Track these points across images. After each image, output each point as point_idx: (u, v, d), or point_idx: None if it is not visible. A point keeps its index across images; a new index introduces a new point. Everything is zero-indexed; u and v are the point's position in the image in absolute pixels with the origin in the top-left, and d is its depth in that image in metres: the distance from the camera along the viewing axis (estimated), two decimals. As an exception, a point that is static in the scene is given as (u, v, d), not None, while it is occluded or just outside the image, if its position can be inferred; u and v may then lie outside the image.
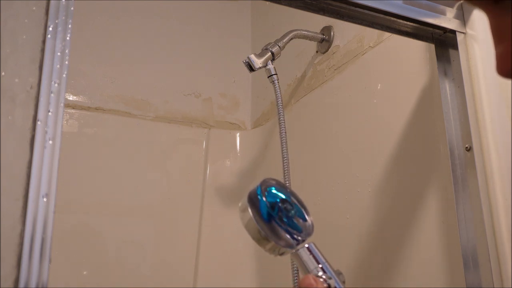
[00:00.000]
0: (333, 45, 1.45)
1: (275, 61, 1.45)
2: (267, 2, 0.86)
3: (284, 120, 1.39)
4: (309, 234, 0.59)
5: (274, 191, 0.60)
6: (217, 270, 1.67)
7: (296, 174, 1.40)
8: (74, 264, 1.50)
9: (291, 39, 1.46)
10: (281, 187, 0.61)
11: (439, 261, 0.98)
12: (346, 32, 1.40)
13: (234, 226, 1.67)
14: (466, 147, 0.89)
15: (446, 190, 0.98)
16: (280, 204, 0.58)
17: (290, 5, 0.85)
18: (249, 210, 0.57)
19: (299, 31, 1.47)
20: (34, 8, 0.59)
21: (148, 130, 1.72)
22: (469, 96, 0.90)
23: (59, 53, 0.58)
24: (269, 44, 1.44)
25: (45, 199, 0.53)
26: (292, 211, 0.59)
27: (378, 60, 1.24)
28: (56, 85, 0.57)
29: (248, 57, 1.40)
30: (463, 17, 0.95)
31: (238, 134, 1.86)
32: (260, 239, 0.56)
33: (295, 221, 0.59)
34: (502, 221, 0.82)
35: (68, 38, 0.60)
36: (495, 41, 0.35)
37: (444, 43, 0.98)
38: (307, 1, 0.85)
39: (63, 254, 1.45)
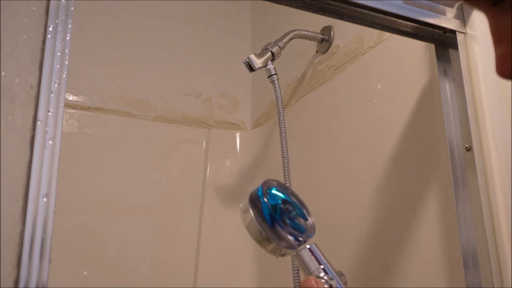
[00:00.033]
0: (333, 45, 1.45)
1: (275, 61, 1.44)
2: (267, 2, 0.86)
3: (284, 120, 1.39)
4: (309, 235, 0.59)
5: (275, 192, 0.60)
6: (217, 270, 1.67)
7: (296, 174, 1.40)
8: (74, 264, 1.50)
9: (291, 39, 1.46)
10: (283, 188, 0.61)
11: (439, 261, 0.98)
12: (346, 32, 1.40)
13: (234, 226, 1.67)
14: (466, 147, 0.89)
15: (446, 190, 0.98)
16: (281, 205, 0.58)
17: (290, 5, 0.85)
18: (251, 211, 0.57)
19: (299, 31, 1.47)
20: (34, 8, 0.59)
21: (148, 130, 1.72)
22: (469, 96, 0.90)
23: (59, 53, 0.58)
24: (269, 44, 1.44)
25: (45, 199, 0.53)
26: (294, 212, 0.59)
27: (378, 60, 1.24)
28: (56, 85, 0.57)
29: (248, 57, 1.40)
30: (463, 17, 0.95)
31: (238, 134, 1.86)
32: (262, 240, 0.56)
33: (296, 222, 0.59)
34: (502, 221, 0.82)
35: (68, 38, 0.60)
36: (494, 42, 0.35)
37: (444, 43, 0.98)
38: (307, 1, 0.85)
39: (63, 254, 1.45)
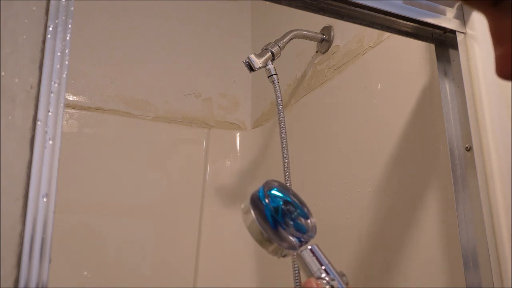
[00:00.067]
0: (333, 45, 1.45)
1: (275, 61, 1.44)
2: (267, 2, 0.86)
3: (284, 120, 1.39)
4: (311, 236, 0.59)
5: (276, 193, 0.60)
6: (217, 270, 1.67)
7: (296, 174, 1.40)
8: (74, 264, 1.50)
9: (291, 39, 1.46)
10: (284, 188, 0.61)
11: (439, 261, 0.98)
12: (346, 32, 1.40)
13: (234, 226, 1.67)
14: (466, 147, 0.89)
15: (446, 190, 0.98)
16: (283, 206, 0.58)
17: (290, 5, 0.85)
18: (252, 212, 0.57)
19: (299, 31, 1.47)
20: (34, 8, 0.59)
21: (148, 130, 1.72)
22: (469, 96, 0.90)
23: (59, 53, 0.58)
24: (269, 44, 1.44)
25: (45, 199, 0.53)
26: (295, 213, 0.59)
27: (378, 60, 1.24)
28: (56, 85, 0.57)
29: (248, 57, 1.40)
30: (463, 17, 0.95)
31: (238, 134, 1.86)
32: (263, 241, 0.56)
33: (298, 222, 0.59)
34: (502, 221, 0.82)
35: (68, 38, 0.60)
36: (494, 43, 0.35)
37: (444, 43, 0.98)
38: (307, 1, 0.85)
39: (63, 254, 1.45)
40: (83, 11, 1.68)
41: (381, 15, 0.89)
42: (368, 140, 1.24)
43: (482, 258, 0.84)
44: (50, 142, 0.55)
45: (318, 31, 1.50)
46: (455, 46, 0.94)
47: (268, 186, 0.60)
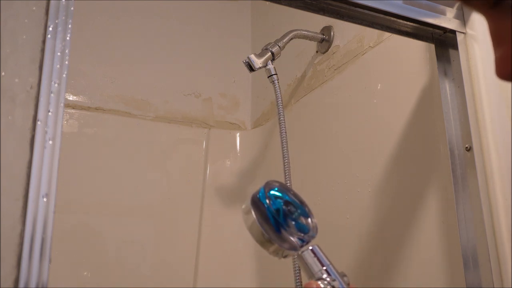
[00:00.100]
0: (333, 45, 1.45)
1: (275, 61, 1.44)
2: (267, 2, 0.86)
3: (284, 120, 1.39)
4: (312, 236, 0.59)
5: (277, 193, 0.60)
6: (217, 270, 1.67)
7: (296, 174, 1.40)
8: (74, 264, 1.50)
9: (291, 39, 1.46)
10: (284, 189, 0.61)
11: (439, 261, 0.98)
12: (346, 32, 1.40)
13: (234, 226, 1.67)
14: (466, 147, 0.89)
15: (446, 190, 0.98)
16: (283, 207, 0.58)
17: (290, 5, 0.85)
18: (253, 212, 0.56)
19: (299, 31, 1.47)
20: (34, 8, 0.59)
21: (148, 130, 1.72)
22: (469, 96, 0.90)
23: (59, 53, 0.58)
24: (269, 44, 1.44)
25: (45, 199, 0.53)
26: (296, 214, 0.59)
27: (378, 60, 1.24)
28: (56, 85, 0.57)
29: (248, 57, 1.40)
30: (463, 17, 0.95)
31: (238, 134, 1.86)
32: (264, 242, 0.56)
33: (299, 223, 0.59)
34: (502, 221, 0.82)
35: (68, 38, 0.60)
36: (494, 44, 0.35)
37: (444, 43, 0.98)
38: (307, 1, 0.85)
39: (63, 254, 1.45)
40: (83, 11, 1.68)
41: (381, 15, 0.89)
42: (368, 140, 1.24)
43: (482, 258, 0.84)
44: (50, 142, 0.55)
45: (318, 31, 1.50)
46: (455, 46, 0.94)
47: (268, 186, 0.60)
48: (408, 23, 0.92)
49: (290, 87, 1.65)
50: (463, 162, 0.90)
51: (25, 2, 0.59)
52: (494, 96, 0.89)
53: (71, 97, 1.64)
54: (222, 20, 1.98)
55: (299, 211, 0.60)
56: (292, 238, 0.57)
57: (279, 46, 1.43)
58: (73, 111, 1.62)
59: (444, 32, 0.95)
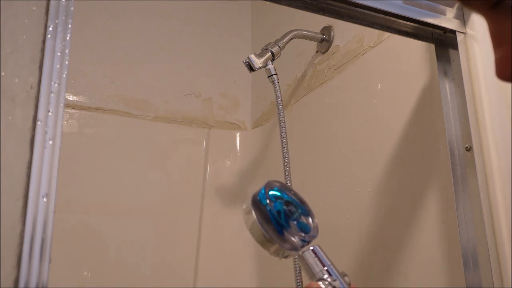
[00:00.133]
0: (333, 45, 1.45)
1: (275, 61, 1.44)
2: (267, 2, 0.86)
3: (284, 120, 1.39)
4: (313, 236, 0.59)
5: (278, 193, 0.59)
6: (217, 270, 1.67)
7: (296, 174, 1.40)
8: (74, 264, 1.49)
9: (291, 39, 1.46)
10: (285, 189, 0.61)
11: (439, 261, 0.98)
12: (346, 32, 1.40)
13: (234, 226, 1.67)
14: (466, 147, 0.89)
15: (446, 190, 0.98)
16: (284, 207, 0.58)
17: (290, 5, 0.85)
18: (253, 213, 0.56)
19: (299, 31, 1.47)
20: (34, 8, 0.59)
21: (148, 130, 1.72)
22: (469, 96, 0.90)
23: (59, 53, 0.58)
24: (269, 44, 1.44)
25: (45, 199, 0.53)
26: (297, 214, 0.59)
27: (378, 60, 1.24)
28: (56, 85, 0.57)
29: (248, 57, 1.40)
30: (463, 17, 0.95)
31: (238, 134, 1.86)
32: (265, 242, 0.56)
33: (299, 223, 0.59)
34: (502, 221, 0.82)
35: (68, 38, 0.60)
36: (494, 45, 0.35)
37: (444, 43, 0.98)
38: (307, 1, 0.85)
39: (63, 254, 1.45)
40: (83, 11, 1.68)
41: (381, 15, 0.89)
42: (368, 140, 1.24)
43: (482, 258, 0.84)
44: (50, 142, 0.55)
45: (318, 31, 1.50)
46: (455, 46, 0.94)
47: (269, 186, 0.59)
48: (408, 23, 0.92)
49: (290, 87, 1.65)
50: (463, 162, 0.90)
51: (25, 2, 0.59)
52: (494, 96, 0.89)
53: (71, 97, 1.64)
54: (222, 20, 1.98)
55: (300, 211, 0.59)
56: (293, 239, 0.57)
57: (279, 46, 1.43)
58: (73, 111, 1.62)
59: (444, 32, 0.95)
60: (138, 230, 1.62)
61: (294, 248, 0.57)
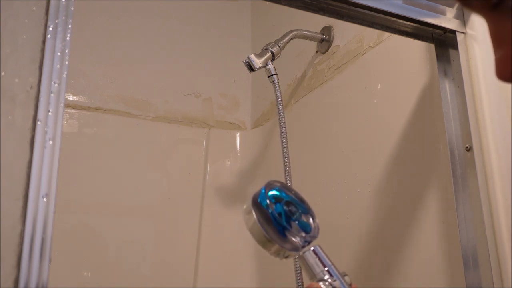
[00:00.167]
0: (333, 45, 1.45)
1: (275, 61, 1.44)
2: (267, 2, 0.86)
3: (284, 120, 1.39)
4: (314, 236, 0.59)
5: (278, 194, 0.59)
6: (217, 270, 1.67)
7: (296, 174, 1.40)
8: (74, 264, 1.49)
9: (291, 39, 1.46)
10: (286, 189, 0.61)
11: (439, 261, 0.98)
12: (346, 32, 1.40)
13: (234, 226, 1.67)
14: (466, 147, 0.89)
15: (446, 190, 0.98)
16: (285, 207, 0.58)
17: (290, 5, 0.85)
18: (254, 213, 0.56)
19: (299, 31, 1.47)
20: (34, 8, 0.59)
21: (148, 130, 1.72)
22: (469, 96, 0.90)
23: (59, 53, 0.58)
24: (269, 44, 1.44)
25: (45, 199, 0.53)
26: (297, 214, 0.59)
27: (378, 60, 1.24)
28: (56, 85, 0.57)
29: (248, 57, 1.40)
30: (463, 17, 0.95)
31: (238, 134, 1.86)
32: (265, 243, 0.56)
33: (300, 224, 0.58)
34: (502, 221, 0.82)
35: (68, 38, 0.60)
36: (494, 45, 0.35)
37: (444, 43, 0.98)
38: (307, 1, 0.85)
39: (63, 254, 1.45)
40: (83, 11, 1.68)
41: (381, 15, 0.89)
42: (368, 140, 1.24)
43: (482, 258, 0.84)
44: (50, 142, 0.55)
45: (318, 31, 1.50)
46: (455, 46, 0.94)
47: (270, 186, 0.59)
48: (408, 23, 0.92)
49: (290, 87, 1.65)
50: (463, 162, 0.90)
51: (25, 2, 0.59)
52: (494, 96, 0.89)
53: (71, 97, 1.64)
54: (222, 20, 1.98)
55: (300, 210, 0.59)
56: (294, 239, 0.57)
57: (279, 46, 1.43)
58: (73, 111, 1.62)
59: (444, 32, 0.95)
60: (138, 230, 1.62)
61: (295, 248, 0.57)
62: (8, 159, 0.53)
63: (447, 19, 0.94)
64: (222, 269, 1.68)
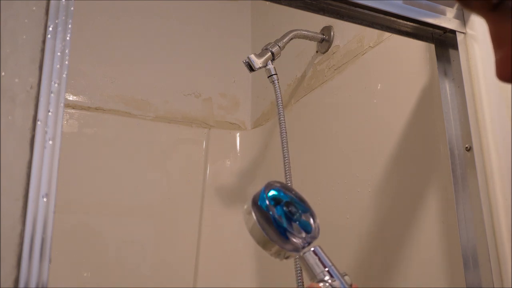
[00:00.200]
0: (333, 45, 1.45)
1: (275, 61, 1.44)
2: (267, 2, 0.86)
3: (284, 120, 1.39)
4: (314, 237, 0.59)
5: (278, 194, 0.59)
6: (217, 270, 1.67)
7: (296, 174, 1.40)
8: (74, 264, 1.49)
9: (291, 39, 1.46)
10: (286, 190, 0.61)
11: (439, 261, 0.98)
12: (346, 32, 1.40)
13: (234, 226, 1.67)
14: (466, 147, 0.89)
15: (446, 190, 0.98)
16: (285, 208, 0.58)
17: (290, 5, 0.85)
18: (254, 214, 0.56)
19: (299, 31, 1.47)
20: (34, 8, 0.59)
21: (148, 130, 1.72)
22: (469, 96, 0.90)
23: (59, 53, 0.58)
24: (269, 44, 1.44)
25: (45, 199, 0.53)
26: (298, 215, 0.58)
27: (378, 60, 1.24)
28: (56, 85, 0.57)
29: (248, 57, 1.40)
30: (463, 17, 0.95)
31: (238, 134, 1.86)
32: (266, 244, 0.56)
33: (300, 224, 0.58)
34: (502, 221, 0.82)
35: (68, 38, 0.60)
36: (494, 46, 0.36)
37: (444, 43, 0.98)
38: (307, 1, 0.85)
39: (63, 254, 1.45)
40: (83, 11, 1.68)
41: (381, 15, 0.89)
42: (368, 140, 1.24)
43: (482, 258, 0.84)
44: (50, 142, 0.55)
45: (318, 31, 1.50)
46: (455, 46, 0.94)
47: (270, 187, 0.59)
48: (408, 23, 0.92)
49: (290, 87, 1.65)
50: (463, 162, 0.90)
51: (25, 2, 0.59)
52: (494, 96, 0.89)
53: (71, 97, 1.64)
54: (222, 20, 1.98)
55: (301, 210, 0.59)
56: (294, 240, 0.57)
57: (279, 46, 1.43)
58: (73, 111, 1.62)
59: (444, 32, 0.95)
60: (138, 230, 1.62)
61: (295, 249, 0.57)
62: (8, 159, 0.53)
63: (447, 19, 0.94)
64: (222, 269, 1.68)
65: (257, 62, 1.40)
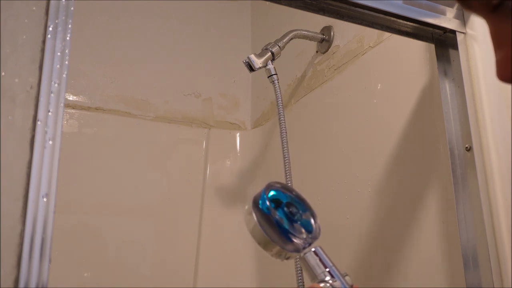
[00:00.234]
0: (333, 45, 1.45)
1: (275, 61, 1.44)
2: (267, 2, 0.86)
3: (284, 120, 1.39)
4: (315, 237, 0.59)
5: (279, 195, 0.59)
6: (217, 270, 1.67)
7: (296, 174, 1.40)
8: (74, 264, 1.49)
9: (291, 39, 1.46)
10: (287, 190, 0.60)
11: (439, 261, 0.98)
12: (346, 32, 1.40)
13: (234, 226, 1.67)
14: (466, 147, 0.89)
15: (446, 190, 0.98)
16: (285, 208, 0.58)
17: (290, 5, 0.85)
18: (254, 215, 0.56)
19: (299, 31, 1.47)
20: (34, 8, 0.59)
21: (148, 130, 1.72)
22: (469, 96, 0.90)
23: (59, 53, 0.58)
24: (269, 44, 1.44)
25: (45, 199, 0.53)
26: (298, 215, 0.58)
27: (378, 60, 1.24)
28: (56, 85, 0.57)
29: (248, 57, 1.40)
30: (463, 17, 0.95)
31: (238, 134, 1.86)
32: (266, 244, 0.56)
33: (301, 225, 0.58)
34: (502, 221, 0.82)
35: (68, 38, 0.60)
36: (495, 47, 0.36)
37: (444, 43, 0.98)
38: (307, 1, 0.85)
39: (63, 254, 1.45)
40: (83, 11, 1.68)
41: (381, 15, 0.89)
42: (368, 140, 1.24)
43: (482, 258, 0.84)
44: (50, 142, 0.55)
45: (318, 31, 1.50)
46: (455, 46, 0.94)
47: (270, 188, 0.59)
48: (408, 23, 0.92)
49: (290, 87, 1.65)
50: (463, 162, 0.90)
51: (25, 2, 0.59)
52: (494, 96, 0.89)
53: (71, 97, 1.64)
54: (222, 20, 1.98)
55: (301, 211, 0.59)
56: (295, 240, 0.57)
57: (279, 46, 1.43)
58: (73, 111, 1.62)
59: (444, 32, 0.96)
60: (138, 230, 1.62)
61: (296, 249, 0.57)
62: (8, 159, 0.53)
63: (447, 19, 0.94)
64: (222, 269, 1.68)
65: (257, 62, 1.40)
